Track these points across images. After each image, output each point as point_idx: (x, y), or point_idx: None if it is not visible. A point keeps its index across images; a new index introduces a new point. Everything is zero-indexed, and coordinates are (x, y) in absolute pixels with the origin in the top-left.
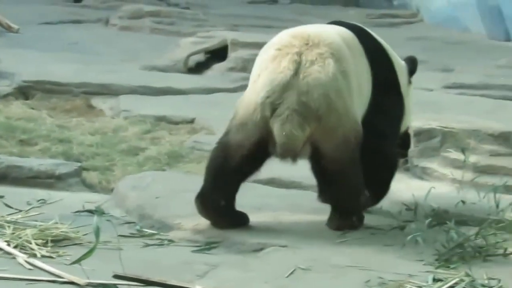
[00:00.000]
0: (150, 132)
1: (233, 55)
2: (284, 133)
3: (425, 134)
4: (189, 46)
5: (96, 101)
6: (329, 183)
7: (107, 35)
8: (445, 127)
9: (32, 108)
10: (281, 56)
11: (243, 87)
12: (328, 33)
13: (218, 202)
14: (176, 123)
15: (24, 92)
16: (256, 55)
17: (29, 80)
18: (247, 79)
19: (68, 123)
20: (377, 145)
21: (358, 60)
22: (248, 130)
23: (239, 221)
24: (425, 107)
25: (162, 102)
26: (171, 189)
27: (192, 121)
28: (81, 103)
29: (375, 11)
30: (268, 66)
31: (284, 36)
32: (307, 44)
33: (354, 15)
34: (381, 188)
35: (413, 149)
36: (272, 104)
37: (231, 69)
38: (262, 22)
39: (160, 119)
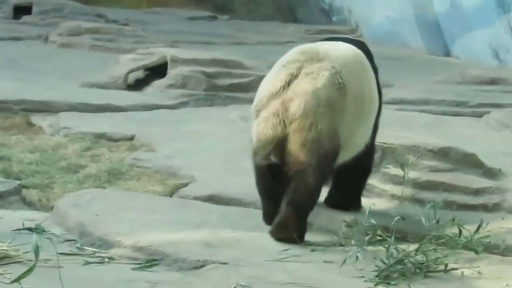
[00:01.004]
0: (90, 149)
1: (173, 72)
2: (257, 130)
3: None
4: (129, 62)
5: (36, 119)
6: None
7: (46, 52)
8: (384, 143)
9: None
10: (282, 71)
11: (183, 104)
12: (339, 50)
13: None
14: (116, 140)
15: None
16: (195, 71)
17: None
18: (187, 95)
19: (7, 140)
20: (369, 164)
21: (370, 78)
22: (268, 136)
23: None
24: None
25: (101, 119)
26: (111, 207)
27: (132, 138)
28: (20, 120)
29: (314, 26)
30: (273, 80)
31: (293, 53)
32: (312, 59)
33: (293, 31)
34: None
35: None
36: (257, 112)
37: (171, 85)
38: (201, 38)
39: (100, 136)
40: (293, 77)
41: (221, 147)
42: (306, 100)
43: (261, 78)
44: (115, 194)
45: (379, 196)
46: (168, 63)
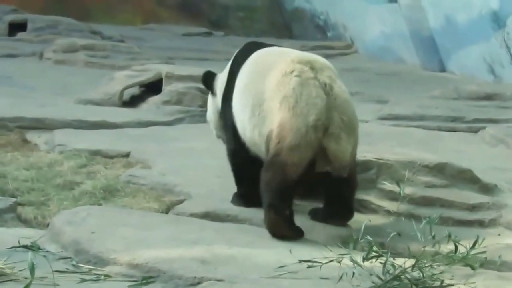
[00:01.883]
0: (86, 166)
1: (168, 88)
2: (339, 148)
3: (361, 166)
4: (124, 79)
5: (31, 136)
6: (339, 188)
7: (41, 69)
8: (380, 159)
9: None
10: (305, 82)
11: (178, 120)
12: (318, 56)
13: (286, 213)
14: (112, 157)
15: None
16: (191, 87)
17: None
18: (182, 112)
19: (2, 158)
20: None
21: None
22: (302, 151)
23: (300, 231)
24: (360, 139)
25: (97, 136)
26: (107, 224)
27: (127, 155)
28: (15, 137)
29: (309, 42)
30: (302, 93)
31: (292, 63)
32: (313, 68)
33: (288, 47)
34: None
35: None
36: (323, 125)
37: (166, 102)
38: (197, 54)
39: (95, 153)
40: (323, 88)
41: (217, 163)
42: (352, 111)
43: None
44: (111, 211)
45: (375, 212)
46: (163, 80)
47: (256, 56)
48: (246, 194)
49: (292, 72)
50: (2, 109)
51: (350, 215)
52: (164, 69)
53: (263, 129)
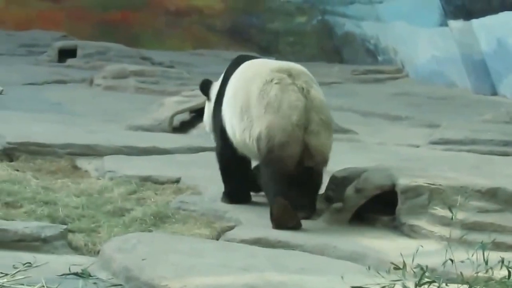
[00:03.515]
0: (136, 192)
1: None
2: (320, 143)
3: (412, 192)
4: (174, 105)
5: (81, 162)
6: (313, 181)
7: (91, 95)
8: (432, 184)
9: (17, 170)
10: (285, 88)
11: None
12: (295, 64)
13: (290, 201)
14: (162, 183)
15: (9, 154)
16: None
17: (13, 142)
18: None
19: (53, 184)
20: None
21: None
22: (292, 146)
23: (300, 221)
24: (411, 164)
25: (147, 162)
26: (158, 250)
27: (177, 181)
28: (66, 164)
29: (360, 67)
30: (283, 98)
31: (271, 72)
32: (290, 75)
33: (338, 72)
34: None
35: (400, 206)
36: (304, 124)
37: None
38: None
39: (146, 179)
40: (302, 92)
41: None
42: (327, 110)
43: None
44: (161, 237)
45: (427, 237)
46: None
47: (243, 67)
48: (232, 192)
49: (272, 80)
50: (52, 135)
51: (313, 209)
52: None
53: (252, 131)
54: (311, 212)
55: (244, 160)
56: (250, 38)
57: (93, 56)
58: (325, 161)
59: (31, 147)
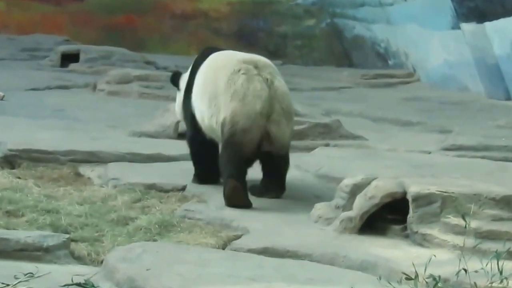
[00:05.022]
0: (140, 201)
1: None
2: (279, 131)
3: (424, 199)
4: None
5: (84, 169)
6: (277, 164)
7: (94, 101)
8: (444, 192)
9: (19, 178)
10: (251, 78)
11: None
12: (260, 57)
13: (244, 182)
14: (167, 191)
15: (10, 161)
16: None
17: (15, 148)
18: None
19: (55, 192)
20: None
21: None
22: (253, 132)
23: (250, 202)
24: (423, 171)
25: (151, 169)
26: (163, 260)
27: (183, 189)
28: (68, 171)
29: (370, 71)
30: (249, 87)
31: (238, 63)
32: (256, 67)
33: (348, 76)
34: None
35: (411, 215)
36: (267, 114)
37: None
38: None
39: (150, 187)
40: (266, 82)
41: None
42: (289, 101)
43: (316, 125)
44: (166, 247)
45: (439, 246)
46: None
47: (212, 58)
48: (202, 174)
49: (239, 70)
50: (54, 142)
51: (282, 189)
52: None
53: (218, 117)
54: (280, 192)
55: (212, 144)
56: (257, 41)
57: (96, 60)
58: (283, 147)
59: (33, 154)
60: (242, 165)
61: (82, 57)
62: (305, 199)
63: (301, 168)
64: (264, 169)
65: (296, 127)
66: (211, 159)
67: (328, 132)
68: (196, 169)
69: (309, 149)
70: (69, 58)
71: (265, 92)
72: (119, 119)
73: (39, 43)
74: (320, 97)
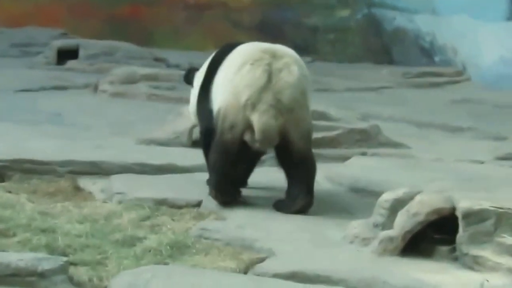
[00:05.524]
0: (149, 218)
1: None
2: (262, 121)
3: (476, 216)
4: None
5: (85, 182)
6: (299, 169)
7: (96, 104)
8: (499, 208)
9: (9, 192)
10: (256, 67)
11: (258, 163)
12: (286, 48)
13: (229, 185)
14: (180, 207)
15: (0, 173)
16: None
17: (5, 159)
18: None
19: (51, 209)
20: None
21: None
22: (237, 130)
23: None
24: (475, 184)
25: (162, 182)
26: (175, 287)
27: (198, 204)
28: (66, 185)
29: (413, 69)
30: (245, 77)
31: (256, 52)
32: (273, 56)
33: (387, 74)
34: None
35: (461, 234)
36: (252, 104)
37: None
38: None
39: (161, 202)
40: (269, 73)
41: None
42: (292, 92)
43: (351, 131)
44: (180, 271)
45: (493, 270)
46: None
47: (236, 51)
48: (217, 179)
49: (251, 60)
50: (50, 151)
51: (309, 198)
52: None
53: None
54: (306, 201)
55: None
56: (283, 35)
57: (98, 57)
58: (267, 141)
59: (25, 165)
60: (228, 170)
61: (81, 53)
62: (339, 216)
63: (333, 180)
64: (286, 177)
65: (329, 134)
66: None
67: (365, 139)
68: (211, 179)
69: (343, 158)
70: (66, 55)
71: (259, 81)
72: (124, 124)
73: (32, 38)
74: (356, 99)
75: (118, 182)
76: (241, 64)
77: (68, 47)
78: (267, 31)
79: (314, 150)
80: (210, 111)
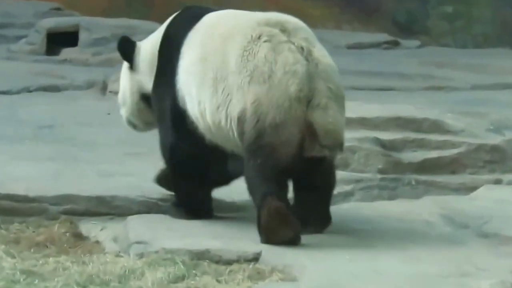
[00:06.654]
0: (184, 279)
1: None
2: (330, 120)
3: None
4: None
5: (88, 227)
6: (322, 179)
7: (103, 110)
8: None
9: None
10: (278, 46)
11: (344, 196)
12: (289, 16)
13: (288, 204)
14: (228, 262)
15: None
16: (364, 139)
17: None
18: (350, 181)
19: (41, 266)
20: None
21: None
22: (290, 128)
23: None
24: None
25: (202, 226)
26: None
27: (255, 258)
28: (62, 231)
29: None
30: (277, 60)
31: (258, 26)
32: (284, 30)
33: None
34: None
35: None
36: (306, 97)
37: None
38: (373, 81)
39: (200, 255)
40: (301, 52)
41: (410, 269)
42: (337, 77)
43: (478, 148)
44: None
45: None
46: None
47: (209, 22)
48: (188, 202)
49: (260, 37)
50: (39, 182)
51: (327, 218)
52: None
53: (231, 108)
54: (325, 224)
55: (216, 151)
56: (379, 10)
57: (107, 43)
58: (337, 144)
59: (2, 202)
60: (282, 177)
61: (82, 37)
62: (462, 273)
63: (454, 221)
64: (297, 188)
65: (446, 153)
66: (205, 178)
67: (500, 161)
68: (178, 195)
69: (467, 188)
70: (60, 40)
71: (301, 67)
72: (143, 140)
73: (9, 15)
74: (486, 101)
75: (137, 226)
76: (249, 43)
77: (62, 28)
78: (354, 4)
79: (425, 176)
80: (179, 112)
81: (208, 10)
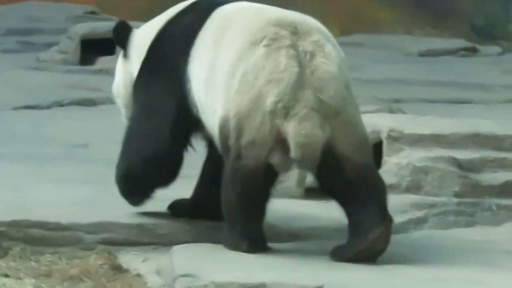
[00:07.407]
0: None
1: (393, 161)
2: (303, 132)
3: None
4: None
5: (129, 259)
6: (353, 191)
7: None
8: None
9: (6, 276)
10: (275, 51)
11: (415, 223)
12: (306, 17)
13: (261, 232)
14: None
15: None
16: (438, 159)
17: None
18: (422, 206)
19: None
20: None
21: None
22: (262, 149)
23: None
24: None
25: (253, 255)
26: None
27: None
28: (99, 262)
29: None
30: (264, 66)
31: (266, 26)
32: (295, 33)
33: None
34: None
35: None
36: (285, 108)
37: (392, 188)
38: (448, 92)
39: None
40: (297, 58)
41: None
42: (338, 88)
43: None
44: None
45: None
46: (384, 144)
47: (222, 15)
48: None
49: (262, 39)
50: (73, 207)
51: (387, 227)
52: (383, 123)
53: (215, 118)
54: (385, 230)
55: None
56: (454, 13)
57: None
58: (308, 160)
59: (31, 230)
60: (255, 207)
61: None
62: None
63: None
64: (343, 207)
65: None
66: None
67: None
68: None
69: None
70: (96, 48)
71: (290, 74)
72: (189, 161)
73: (38, 20)
74: None
75: (183, 257)
76: (249, 45)
77: (98, 34)
78: (427, 7)
79: (507, 200)
80: (187, 107)
81: (220, 3)
